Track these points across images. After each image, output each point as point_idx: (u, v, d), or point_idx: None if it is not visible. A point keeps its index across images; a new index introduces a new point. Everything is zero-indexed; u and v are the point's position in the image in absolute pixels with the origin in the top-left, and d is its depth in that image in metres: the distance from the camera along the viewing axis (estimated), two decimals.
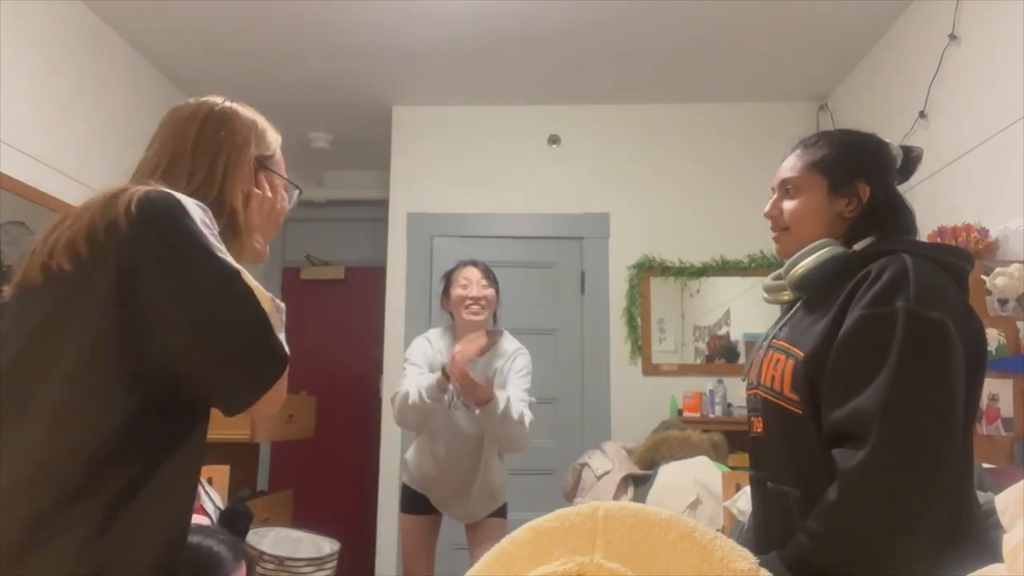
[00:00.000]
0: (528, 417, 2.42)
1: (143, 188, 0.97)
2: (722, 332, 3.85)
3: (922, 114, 2.94)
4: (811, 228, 1.28)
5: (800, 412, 1.17)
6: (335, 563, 2.58)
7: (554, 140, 4.05)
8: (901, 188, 1.34)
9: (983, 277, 2.21)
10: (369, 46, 3.46)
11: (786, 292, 1.33)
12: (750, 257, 3.81)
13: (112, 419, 0.90)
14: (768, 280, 1.40)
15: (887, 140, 1.33)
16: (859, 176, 1.27)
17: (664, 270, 3.85)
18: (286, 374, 1.00)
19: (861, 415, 1.06)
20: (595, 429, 3.69)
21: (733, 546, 0.91)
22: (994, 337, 2.15)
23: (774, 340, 1.28)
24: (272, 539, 2.59)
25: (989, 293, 2.19)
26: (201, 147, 1.11)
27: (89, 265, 0.92)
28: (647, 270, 3.86)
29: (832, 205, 1.28)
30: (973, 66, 2.66)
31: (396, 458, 3.79)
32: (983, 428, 2.13)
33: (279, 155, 1.23)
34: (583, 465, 3.06)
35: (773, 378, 1.22)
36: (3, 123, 2.66)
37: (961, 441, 1.08)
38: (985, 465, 1.96)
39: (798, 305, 1.31)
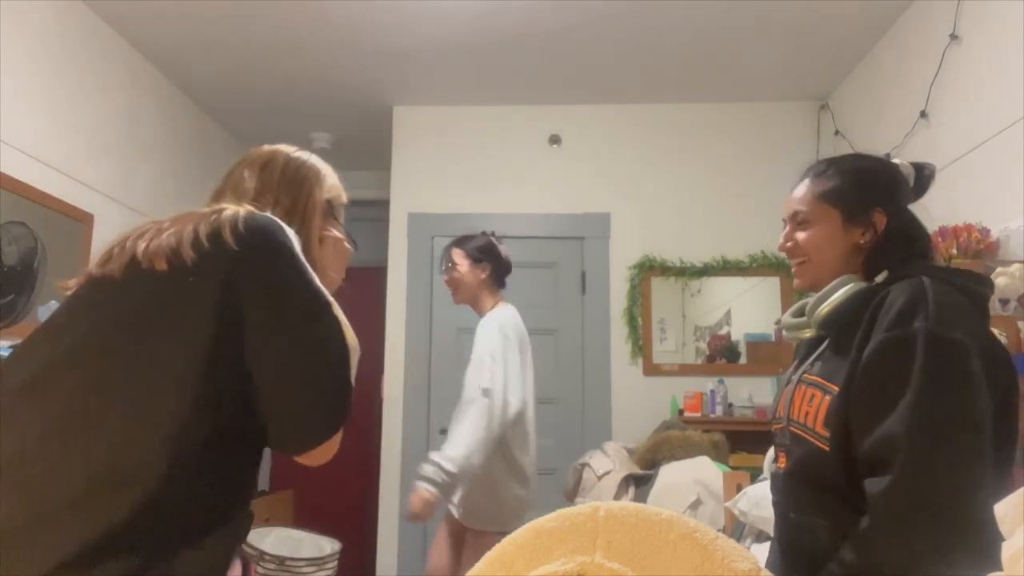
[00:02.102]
0: (468, 432, 2.23)
1: (246, 208, 1.00)
2: (723, 332, 3.85)
3: (923, 114, 2.94)
4: (828, 258, 1.26)
5: (827, 448, 1.15)
6: (336, 563, 2.58)
7: (555, 140, 4.05)
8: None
9: None
10: (370, 46, 3.46)
11: (808, 330, 1.29)
12: (751, 257, 3.81)
13: (195, 431, 0.86)
14: (787, 317, 1.36)
15: (896, 161, 1.31)
16: (873, 205, 1.25)
17: (665, 270, 3.85)
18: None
19: (887, 441, 1.05)
20: (596, 429, 3.69)
21: (734, 546, 0.91)
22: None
23: (806, 375, 1.25)
24: (273, 539, 2.58)
25: None
26: (285, 183, 1.14)
27: (191, 272, 0.91)
28: (648, 270, 3.86)
29: (848, 236, 1.26)
30: (974, 66, 2.65)
31: (396, 458, 3.79)
32: None
33: (342, 211, 1.26)
34: (584, 465, 3.06)
35: (807, 414, 1.20)
36: (3, 123, 2.66)
37: (993, 461, 1.05)
38: None
39: (828, 341, 1.27)
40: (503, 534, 0.87)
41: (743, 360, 3.79)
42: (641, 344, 3.80)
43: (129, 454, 0.83)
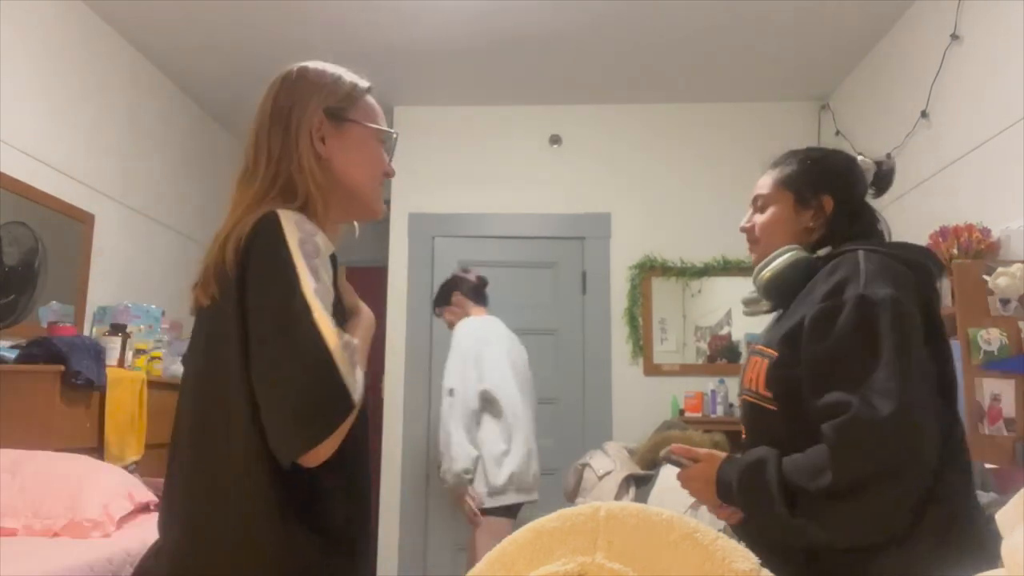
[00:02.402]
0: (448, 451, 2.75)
1: (251, 221, 0.99)
2: (723, 332, 3.84)
3: (924, 114, 2.94)
4: (778, 239, 1.36)
5: (775, 408, 1.22)
6: None
7: (555, 140, 4.05)
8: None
9: (985, 277, 2.21)
10: (370, 46, 3.46)
11: (764, 303, 1.41)
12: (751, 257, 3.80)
13: (239, 454, 0.95)
14: (746, 293, 1.48)
15: (858, 155, 1.41)
16: (822, 190, 1.34)
17: (665, 270, 3.85)
18: (351, 416, 0.95)
19: (836, 402, 1.09)
20: (596, 429, 3.69)
21: (735, 546, 0.91)
22: (996, 337, 2.14)
23: (755, 346, 1.34)
24: None
25: (991, 293, 2.19)
26: (273, 124, 1.08)
27: (218, 306, 1.00)
28: (648, 270, 3.86)
29: (798, 218, 1.36)
30: (975, 66, 2.65)
31: (397, 459, 3.79)
32: (985, 428, 2.13)
33: (364, 102, 1.15)
34: (584, 465, 3.06)
35: (751, 380, 1.28)
36: (3, 123, 2.66)
37: (939, 410, 1.12)
38: (987, 465, 1.96)
39: (777, 314, 1.37)
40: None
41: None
42: (642, 344, 3.80)
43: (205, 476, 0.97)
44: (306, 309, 0.93)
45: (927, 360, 1.15)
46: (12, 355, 2.36)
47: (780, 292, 1.31)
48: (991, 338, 2.14)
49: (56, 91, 2.97)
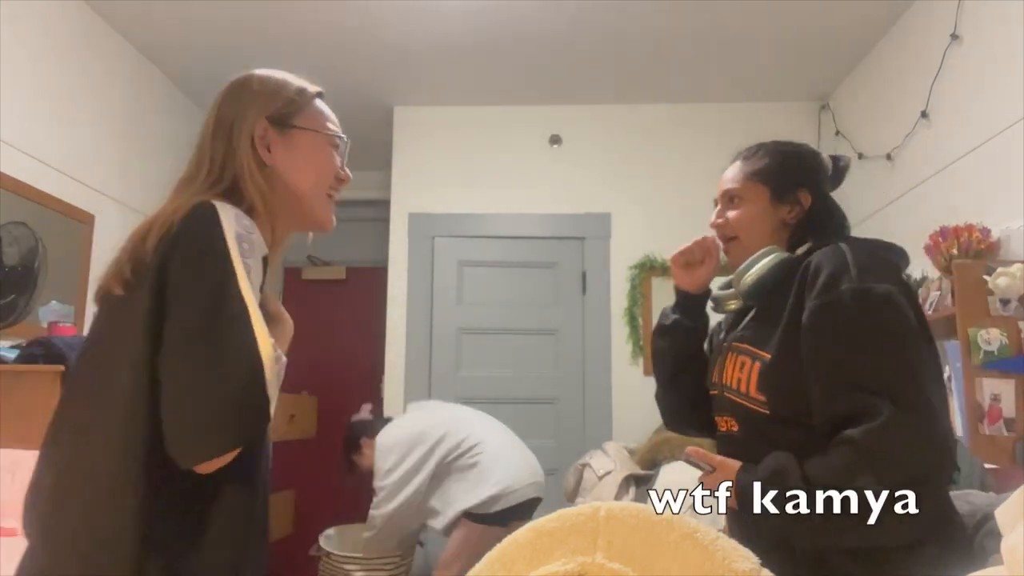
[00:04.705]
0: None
1: (182, 209, 0.94)
2: None
3: (923, 114, 2.94)
4: (757, 235, 1.34)
5: (767, 412, 1.20)
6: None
7: (555, 140, 4.05)
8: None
9: (984, 277, 2.21)
10: (370, 46, 3.46)
11: (734, 301, 1.38)
12: None
13: (140, 447, 0.87)
14: (715, 290, 1.44)
15: (818, 151, 1.40)
16: (800, 184, 1.33)
17: (665, 270, 3.84)
18: (262, 431, 0.92)
19: (862, 407, 1.07)
20: (596, 429, 3.69)
21: (735, 546, 0.91)
22: (996, 337, 2.14)
23: (735, 343, 1.31)
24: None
25: (991, 293, 2.19)
26: (216, 133, 1.06)
27: (127, 295, 0.94)
28: (648, 270, 3.86)
29: (775, 212, 1.34)
30: (975, 66, 2.65)
31: None
32: (985, 428, 2.13)
33: (312, 107, 1.12)
34: (584, 465, 3.06)
35: (740, 380, 1.26)
36: (3, 123, 2.66)
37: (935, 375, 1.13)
38: (987, 465, 1.95)
39: (753, 311, 1.34)
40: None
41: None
42: (642, 344, 3.80)
43: (76, 471, 0.90)
44: (243, 310, 0.88)
45: (932, 357, 1.14)
46: (12, 355, 2.36)
47: (764, 294, 1.29)
48: (991, 338, 2.14)
49: (56, 91, 2.97)
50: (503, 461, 2.79)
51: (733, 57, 3.53)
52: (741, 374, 1.25)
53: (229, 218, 0.93)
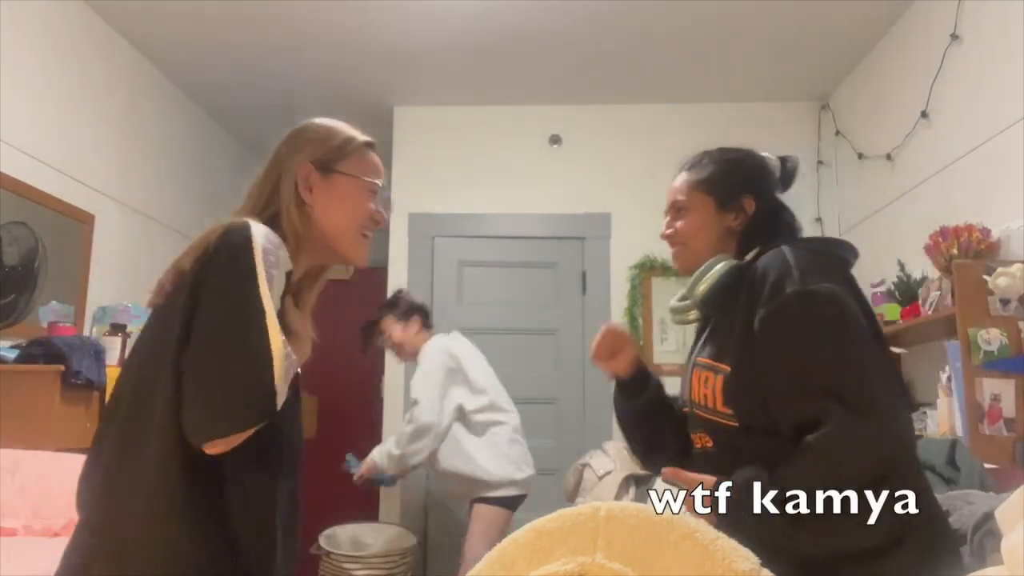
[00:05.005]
0: (400, 438, 2.93)
1: (220, 227, 1.04)
2: None
3: (923, 114, 2.94)
4: (704, 242, 1.37)
5: (736, 425, 1.21)
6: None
7: (555, 140, 4.05)
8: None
9: (984, 277, 2.21)
10: (370, 46, 3.46)
11: (692, 312, 1.39)
12: None
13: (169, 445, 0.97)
14: (674, 302, 1.45)
15: (764, 154, 1.41)
16: (743, 191, 1.35)
17: (665, 270, 3.84)
18: (266, 420, 0.99)
19: (814, 412, 1.09)
20: (596, 429, 3.69)
21: (735, 546, 0.91)
22: (996, 337, 2.14)
23: (698, 359, 1.33)
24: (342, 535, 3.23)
25: (991, 293, 2.19)
26: (268, 170, 1.18)
27: (169, 300, 1.05)
28: (648, 270, 3.86)
29: (721, 220, 1.36)
30: (975, 65, 2.65)
31: None
32: (985, 428, 2.13)
33: (359, 156, 1.24)
34: (584, 465, 3.06)
35: (706, 396, 1.27)
36: (3, 123, 2.66)
37: (893, 394, 1.13)
38: (987, 465, 1.95)
39: (712, 323, 1.35)
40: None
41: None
42: (642, 344, 3.80)
43: (126, 456, 1.00)
44: (260, 312, 0.98)
45: (881, 353, 1.16)
46: (12, 355, 2.36)
47: (717, 303, 1.30)
48: (991, 338, 2.14)
49: (56, 91, 2.97)
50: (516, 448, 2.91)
51: (733, 57, 3.53)
52: (706, 389, 1.27)
53: (259, 234, 1.04)
